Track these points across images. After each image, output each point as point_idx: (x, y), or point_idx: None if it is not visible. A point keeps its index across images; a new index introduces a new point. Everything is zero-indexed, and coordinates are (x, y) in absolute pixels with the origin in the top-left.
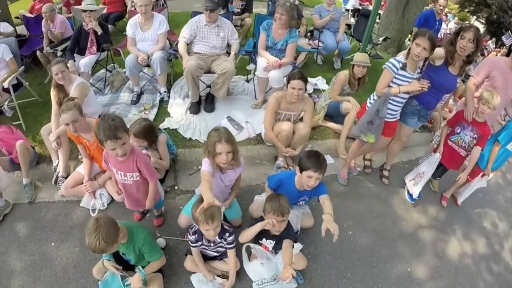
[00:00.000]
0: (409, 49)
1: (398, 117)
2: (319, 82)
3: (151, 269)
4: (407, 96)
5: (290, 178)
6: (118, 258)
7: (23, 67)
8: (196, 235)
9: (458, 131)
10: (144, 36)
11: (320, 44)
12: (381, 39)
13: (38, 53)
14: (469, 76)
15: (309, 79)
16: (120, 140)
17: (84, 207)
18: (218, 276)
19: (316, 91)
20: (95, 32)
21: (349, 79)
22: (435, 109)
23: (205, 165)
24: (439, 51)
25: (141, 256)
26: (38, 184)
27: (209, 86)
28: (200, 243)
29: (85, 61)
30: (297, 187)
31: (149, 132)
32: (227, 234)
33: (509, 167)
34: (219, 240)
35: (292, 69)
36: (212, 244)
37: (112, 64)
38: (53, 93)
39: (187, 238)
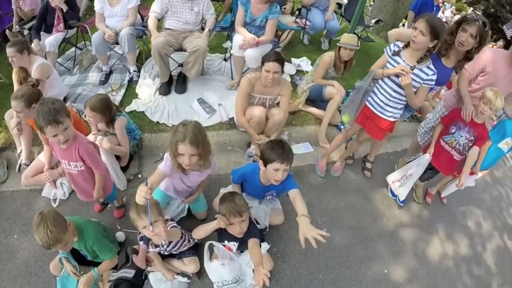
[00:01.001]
0: None
1: (394, 118)
2: (303, 63)
3: (104, 268)
4: (401, 91)
5: (254, 172)
6: (74, 253)
7: None
8: (142, 240)
9: (453, 131)
10: (112, 11)
11: (307, 23)
12: (373, 21)
13: (7, 32)
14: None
15: (293, 59)
16: (61, 124)
17: (46, 196)
18: (178, 274)
19: (299, 72)
20: (61, 9)
21: (334, 62)
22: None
23: (163, 164)
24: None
25: (95, 252)
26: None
27: (181, 65)
28: (150, 248)
29: (50, 40)
30: (263, 181)
31: (106, 107)
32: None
33: (497, 165)
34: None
35: (272, 48)
36: (161, 248)
37: (83, 42)
38: (14, 72)
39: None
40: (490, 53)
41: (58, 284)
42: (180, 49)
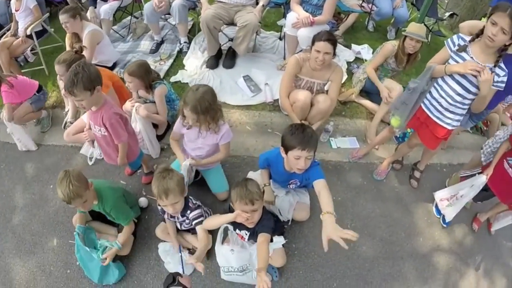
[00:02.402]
0: (483, 29)
1: (453, 126)
2: (363, 50)
3: (124, 237)
4: (472, 97)
5: (278, 157)
6: (95, 212)
7: (48, 14)
8: (161, 206)
9: None
10: None
11: (374, 8)
12: (447, 14)
13: None
14: None
15: (353, 45)
16: (75, 96)
17: (83, 154)
18: (189, 249)
19: (358, 60)
20: None
21: (396, 52)
22: (494, 109)
23: (176, 123)
24: None
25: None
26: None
27: (231, 40)
28: (165, 215)
29: (105, 8)
30: (286, 168)
31: (145, 72)
32: (188, 212)
33: None
34: (181, 218)
35: (328, 30)
36: (176, 219)
37: (140, 11)
38: (67, 37)
39: None
40: None
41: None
42: (232, 23)
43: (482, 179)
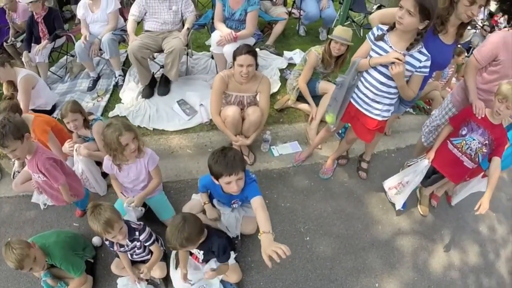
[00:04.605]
0: None
1: (383, 117)
2: (296, 56)
3: (74, 286)
4: (393, 83)
5: (214, 183)
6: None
7: None
8: (108, 240)
9: (464, 132)
10: (93, 17)
11: (302, 12)
12: (375, 7)
13: (4, 44)
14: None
15: (285, 52)
16: (7, 148)
17: (35, 202)
18: (147, 280)
19: (292, 66)
20: (44, 21)
21: (322, 56)
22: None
23: (105, 167)
24: None
25: None
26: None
27: (162, 67)
28: (115, 248)
29: (39, 51)
30: (225, 190)
31: (80, 107)
32: (136, 234)
33: None
34: (131, 244)
35: (255, 42)
36: (127, 248)
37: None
38: (4, 87)
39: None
40: (501, 37)
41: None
42: (161, 50)
43: (424, 163)
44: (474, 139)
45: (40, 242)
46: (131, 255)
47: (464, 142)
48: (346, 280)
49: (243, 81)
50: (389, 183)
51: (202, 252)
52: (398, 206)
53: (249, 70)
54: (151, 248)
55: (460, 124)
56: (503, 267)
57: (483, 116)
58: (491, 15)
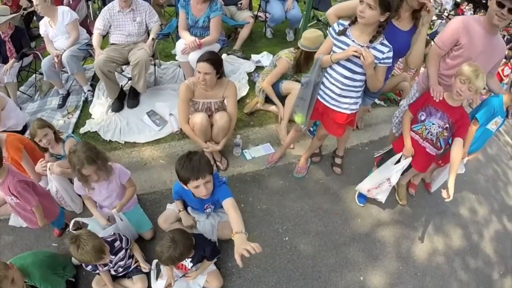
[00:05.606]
0: None
1: (351, 110)
2: (263, 58)
3: None
4: (361, 77)
5: (185, 189)
6: None
7: None
8: (90, 265)
9: (423, 118)
10: (54, 32)
11: (267, 15)
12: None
13: None
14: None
15: (252, 56)
16: None
17: (13, 225)
18: None
19: (259, 69)
20: (11, 39)
21: (297, 63)
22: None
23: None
24: None
25: None
26: None
27: (130, 79)
28: (99, 269)
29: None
30: (195, 194)
31: (48, 122)
32: (116, 244)
33: (490, 140)
34: (115, 258)
35: (220, 48)
36: (111, 264)
37: None
38: None
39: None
40: (461, 22)
41: None
42: (127, 62)
43: (407, 162)
44: (433, 123)
45: (18, 263)
46: (116, 268)
47: (424, 127)
48: (330, 276)
49: (201, 87)
50: (367, 186)
51: (189, 259)
52: (383, 200)
53: (206, 78)
54: (134, 278)
55: (418, 109)
56: (488, 246)
57: (441, 98)
58: (457, 4)
